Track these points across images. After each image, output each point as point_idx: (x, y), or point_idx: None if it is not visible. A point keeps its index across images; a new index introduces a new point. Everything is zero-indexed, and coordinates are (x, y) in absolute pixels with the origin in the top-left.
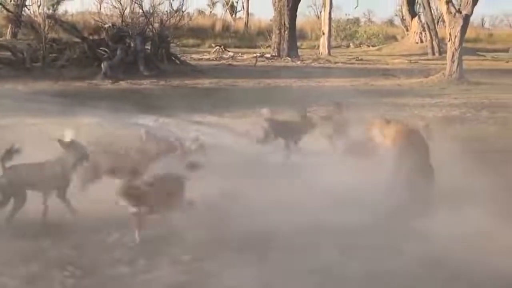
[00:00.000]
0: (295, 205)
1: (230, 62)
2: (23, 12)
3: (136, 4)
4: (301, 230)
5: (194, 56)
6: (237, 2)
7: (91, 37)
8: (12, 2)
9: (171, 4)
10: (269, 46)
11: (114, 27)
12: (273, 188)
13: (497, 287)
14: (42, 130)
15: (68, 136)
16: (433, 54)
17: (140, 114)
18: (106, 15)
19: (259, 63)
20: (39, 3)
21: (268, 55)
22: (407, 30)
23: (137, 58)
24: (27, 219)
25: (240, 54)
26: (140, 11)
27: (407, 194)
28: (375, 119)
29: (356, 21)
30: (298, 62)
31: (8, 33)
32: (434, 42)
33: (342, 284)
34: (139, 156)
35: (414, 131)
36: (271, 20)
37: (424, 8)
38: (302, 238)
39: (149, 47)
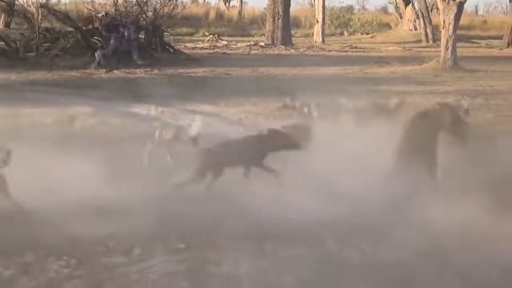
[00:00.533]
0: (293, 195)
1: (224, 51)
2: (16, 2)
3: None
4: (298, 220)
5: (188, 45)
6: None
7: (84, 27)
8: None
9: None
10: (263, 34)
11: (108, 16)
12: (269, 177)
13: (491, 275)
14: (35, 120)
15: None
16: (427, 41)
17: (134, 103)
18: (100, 4)
19: (253, 52)
20: None
21: (262, 44)
22: (401, 17)
23: (131, 47)
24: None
25: (234, 42)
26: (134, 0)
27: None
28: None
29: (350, 9)
30: (292, 50)
31: (1, 22)
32: (428, 30)
33: (338, 273)
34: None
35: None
36: (264, 9)
37: None
38: (299, 228)
39: (142, 36)
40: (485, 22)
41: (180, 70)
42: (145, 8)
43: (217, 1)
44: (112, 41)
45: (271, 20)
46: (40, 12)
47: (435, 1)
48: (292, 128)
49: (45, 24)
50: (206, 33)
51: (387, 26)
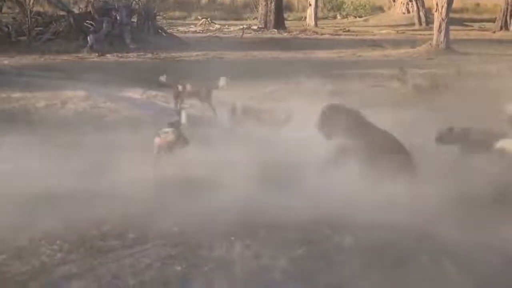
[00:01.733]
0: (285, 179)
1: (216, 35)
2: None
3: None
4: (290, 205)
5: (180, 28)
6: None
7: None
8: None
9: None
10: (256, 18)
11: (100, 0)
12: (262, 162)
13: (491, 261)
14: (28, 103)
15: None
16: (420, 24)
17: (126, 87)
18: None
19: (245, 35)
20: None
21: (255, 27)
22: (394, 0)
23: (123, 31)
24: (15, 193)
25: (226, 26)
26: None
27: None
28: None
29: None
30: (285, 34)
31: None
32: (421, 13)
33: (331, 256)
34: None
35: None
36: None
37: None
38: (291, 213)
39: (135, 20)
40: (478, 5)
41: (173, 54)
42: None
43: None
44: (104, 25)
45: (263, 3)
46: None
47: None
48: None
49: (37, 8)
50: (199, 17)
51: (380, 9)
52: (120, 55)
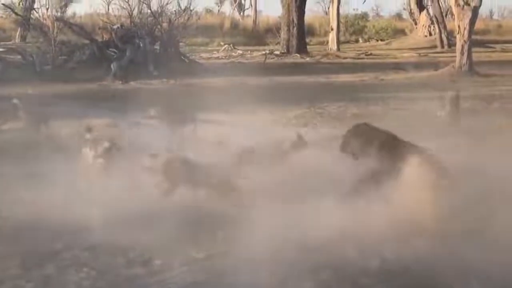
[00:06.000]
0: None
1: (239, 60)
2: (31, 15)
3: (144, 4)
4: (313, 229)
5: (203, 55)
6: (245, 0)
7: (103, 35)
8: (21, 5)
9: (179, 4)
10: (278, 43)
11: (123, 27)
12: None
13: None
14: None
15: None
16: (442, 47)
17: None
18: (115, 16)
19: (268, 61)
20: (47, 6)
21: (277, 52)
22: (416, 23)
23: (147, 58)
24: (40, 222)
25: (249, 52)
26: (148, 11)
27: None
28: None
29: (365, 16)
30: (308, 59)
31: (17, 36)
32: (443, 35)
33: (356, 278)
34: None
35: None
36: (279, 17)
37: (432, 1)
38: (314, 236)
39: (158, 47)
40: (500, 26)
41: (196, 80)
42: (160, 19)
43: (231, 11)
44: (127, 53)
45: (285, 28)
46: (56, 25)
47: (450, 6)
48: None
49: (61, 37)
50: (221, 43)
51: (402, 32)
52: (143, 82)
